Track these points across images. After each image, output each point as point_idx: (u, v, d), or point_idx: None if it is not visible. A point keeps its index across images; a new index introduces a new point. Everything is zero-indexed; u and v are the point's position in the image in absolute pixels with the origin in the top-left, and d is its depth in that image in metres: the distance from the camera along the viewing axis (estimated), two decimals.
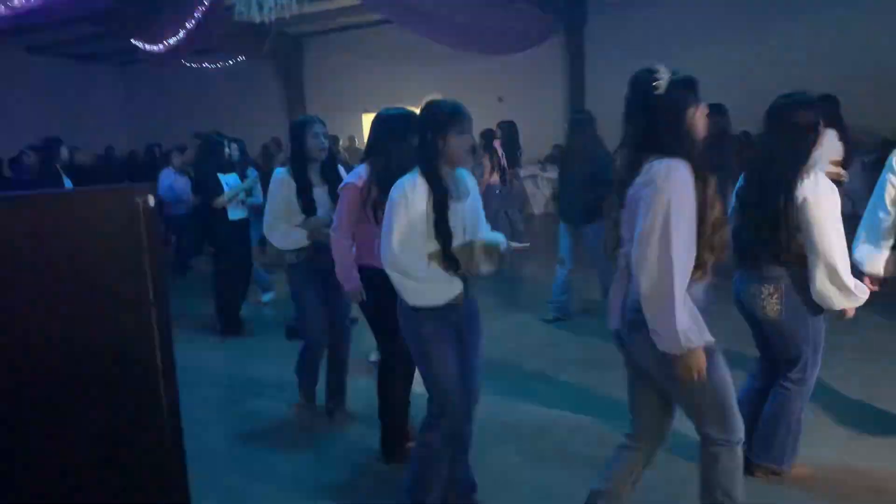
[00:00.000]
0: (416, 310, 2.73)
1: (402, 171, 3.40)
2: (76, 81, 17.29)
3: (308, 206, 3.95)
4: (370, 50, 15.08)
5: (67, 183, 6.85)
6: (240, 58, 14.80)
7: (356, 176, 3.42)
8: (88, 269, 1.35)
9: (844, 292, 2.83)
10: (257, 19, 7.18)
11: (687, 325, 2.14)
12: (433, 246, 2.70)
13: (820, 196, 2.77)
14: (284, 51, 15.31)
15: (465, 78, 14.13)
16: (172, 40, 8.62)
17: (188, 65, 14.20)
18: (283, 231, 3.99)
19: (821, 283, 2.81)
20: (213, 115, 16.49)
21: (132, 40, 9.61)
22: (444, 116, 2.71)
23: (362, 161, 3.51)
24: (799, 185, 2.78)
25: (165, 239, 9.87)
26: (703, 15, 12.19)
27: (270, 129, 14.51)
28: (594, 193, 5.84)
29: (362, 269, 3.41)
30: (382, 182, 3.24)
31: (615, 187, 2.39)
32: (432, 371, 2.80)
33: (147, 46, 9.30)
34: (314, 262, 3.96)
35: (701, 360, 2.18)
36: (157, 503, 1.55)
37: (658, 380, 2.38)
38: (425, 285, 2.70)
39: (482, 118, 11.51)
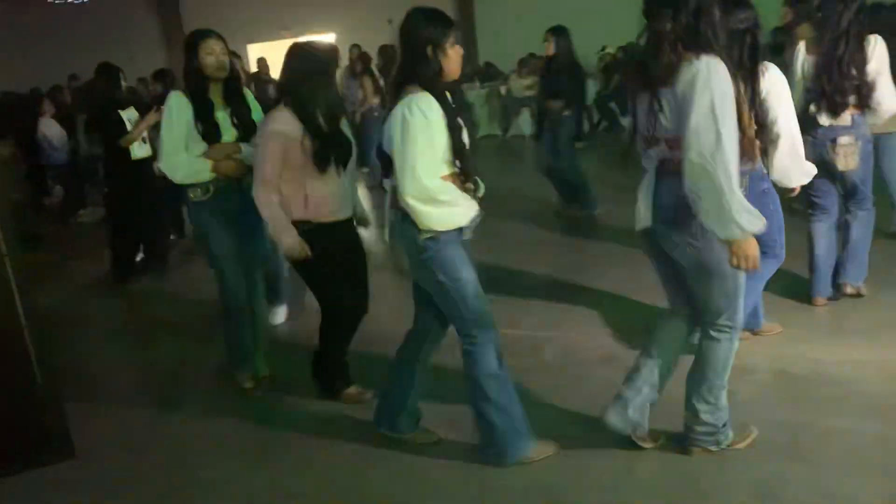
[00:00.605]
0: (436, 240, 2.60)
1: (334, 115, 3.18)
2: None
3: (210, 131, 3.47)
4: None
5: None
6: None
7: (282, 122, 3.12)
8: None
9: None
10: None
11: (745, 211, 2.25)
12: (446, 168, 2.59)
13: (778, 84, 3.11)
14: None
15: (351, 3, 13.73)
16: None
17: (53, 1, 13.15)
18: (183, 161, 3.46)
19: (781, 160, 3.14)
20: (87, 53, 15.35)
21: None
22: (440, 28, 2.58)
23: (276, 101, 3.24)
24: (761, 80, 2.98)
25: (46, 189, 9.38)
26: None
27: (149, 64, 13.70)
28: None
29: (296, 225, 3.16)
30: (314, 129, 3.09)
31: (649, 86, 2.38)
32: (468, 295, 2.67)
33: None
34: (222, 200, 3.51)
35: (754, 246, 2.31)
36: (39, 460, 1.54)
37: (690, 274, 2.52)
38: (453, 208, 2.59)
39: (372, 41, 11.20)
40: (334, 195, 3.24)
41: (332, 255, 3.21)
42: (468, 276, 2.68)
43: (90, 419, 3.35)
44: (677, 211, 2.38)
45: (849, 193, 3.82)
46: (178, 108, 3.48)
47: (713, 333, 2.58)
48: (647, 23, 2.39)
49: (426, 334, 2.93)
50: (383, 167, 2.74)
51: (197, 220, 3.69)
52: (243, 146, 3.47)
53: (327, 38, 14.66)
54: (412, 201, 2.52)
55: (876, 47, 3.57)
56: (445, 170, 2.59)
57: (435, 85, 2.57)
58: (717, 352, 2.59)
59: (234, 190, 3.42)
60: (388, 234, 2.82)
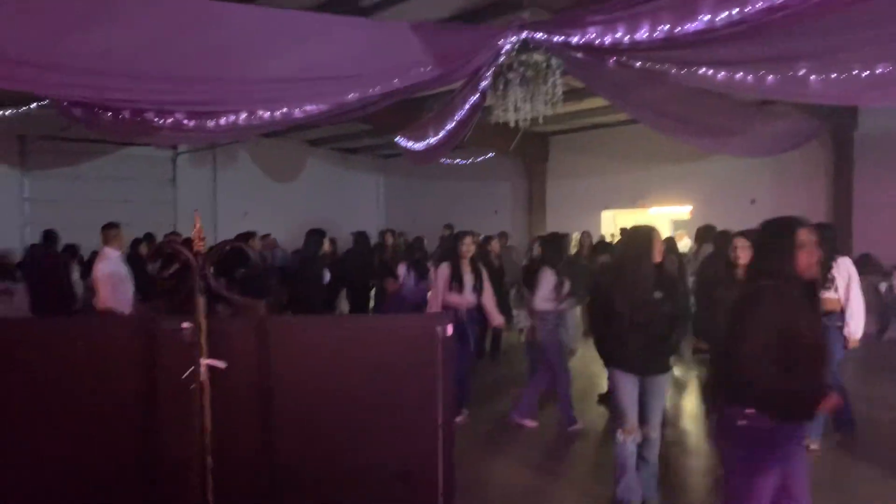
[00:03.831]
0: None
1: None
2: (342, 171, 19.29)
3: None
4: (614, 149, 15.13)
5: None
6: (489, 154, 15.61)
7: None
8: (386, 390, 1.43)
9: None
10: (512, 123, 7.47)
11: None
12: None
13: None
14: (531, 147, 15.85)
15: (711, 178, 13.63)
16: (433, 140, 9.27)
17: (442, 161, 15.20)
18: None
19: None
20: (459, 204, 17.47)
21: (397, 139, 10.50)
22: None
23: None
24: None
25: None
26: None
27: (509, 220, 14.97)
28: None
29: None
30: None
31: None
32: None
33: (409, 144, 10.10)
34: None
35: None
36: None
37: None
38: None
39: (733, 221, 10.89)
40: None
41: None
42: None
43: None
44: None
45: None
46: None
47: None
48: None
49: None
50: None
51: None
52: None
53: (684, 210, 14.66)
54: None
55: None
56: None
57: None
58: None
59: None
60: None
